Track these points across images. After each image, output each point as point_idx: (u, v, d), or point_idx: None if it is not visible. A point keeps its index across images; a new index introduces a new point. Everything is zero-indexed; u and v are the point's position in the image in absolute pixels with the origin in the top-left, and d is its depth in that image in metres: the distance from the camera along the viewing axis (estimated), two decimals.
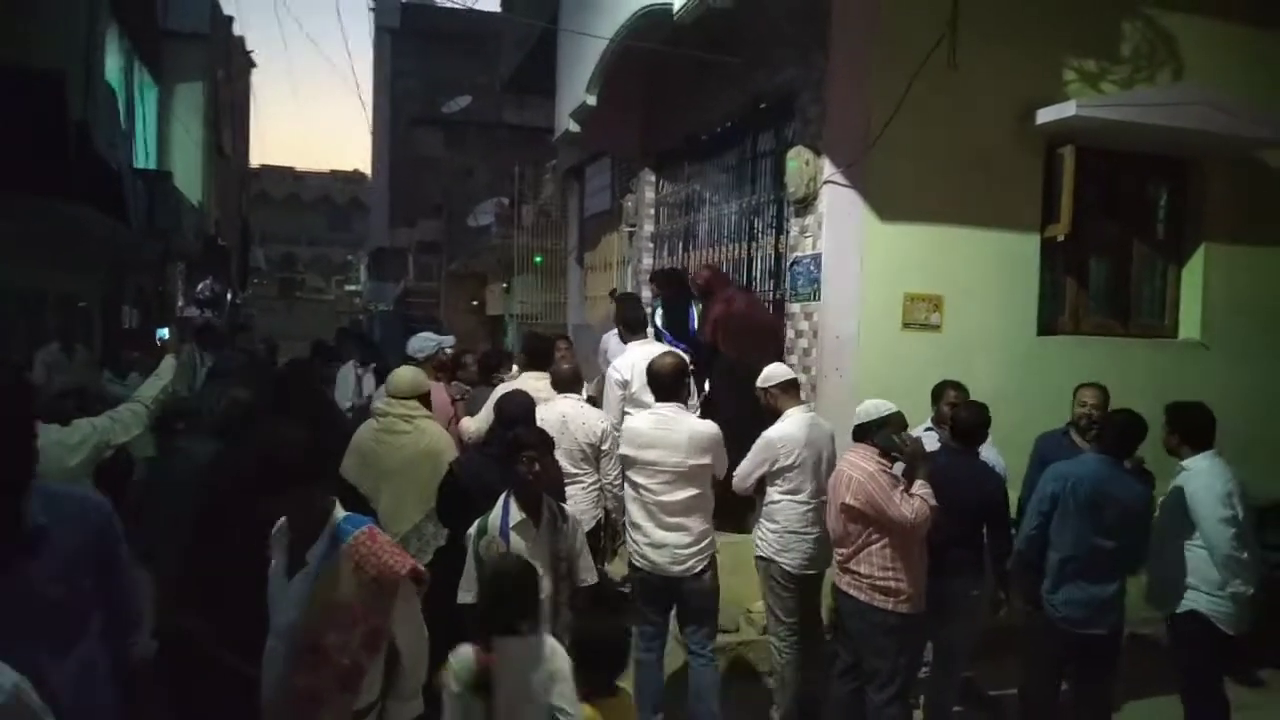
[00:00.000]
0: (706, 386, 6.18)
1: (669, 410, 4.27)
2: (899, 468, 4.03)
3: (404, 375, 4.83)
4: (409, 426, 4.57)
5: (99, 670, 2.21)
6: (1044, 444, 5.13)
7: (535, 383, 5.19)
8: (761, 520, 4.58)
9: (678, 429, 4.18)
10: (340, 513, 2.48)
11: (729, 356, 5.94)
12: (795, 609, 4.51)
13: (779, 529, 4.46)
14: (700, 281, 6.47)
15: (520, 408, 4.19)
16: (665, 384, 4.33)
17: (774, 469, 4.45)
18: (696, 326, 6.49)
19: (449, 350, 6.56)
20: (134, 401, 3.95)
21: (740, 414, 5.03)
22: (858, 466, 3.99)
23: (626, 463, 4.31)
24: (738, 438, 4.58)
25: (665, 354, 4.63)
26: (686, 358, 5.50)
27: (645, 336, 6.06)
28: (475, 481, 3.96)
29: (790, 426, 4.47)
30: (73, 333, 9.27)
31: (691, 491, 4.16)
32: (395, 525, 4.21)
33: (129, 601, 2.40)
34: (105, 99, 11.59)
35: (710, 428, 4.31)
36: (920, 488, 3.92)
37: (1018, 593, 4.45)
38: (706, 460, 4.19)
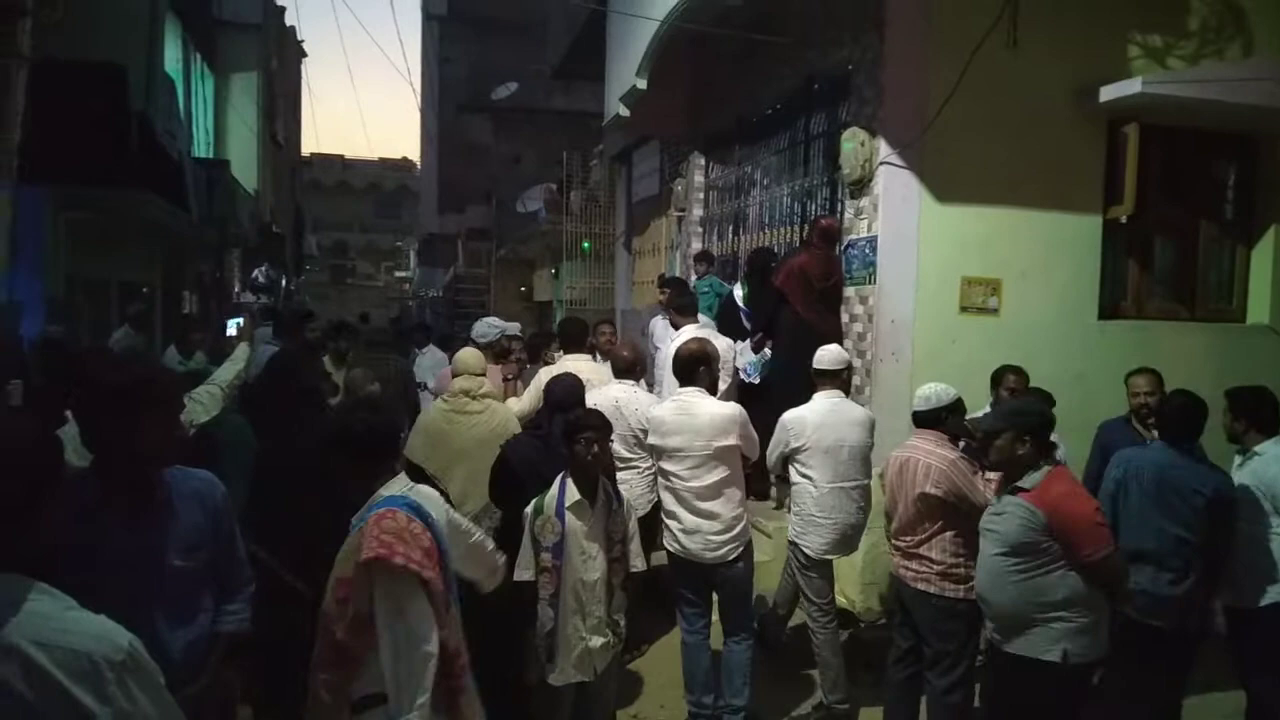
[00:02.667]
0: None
1: (690, 395, 4.23)
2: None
3: (470, 353, 5.00)
4: (480, 405, 4.66)
5: (206, 642, 2.31)
6: (1106, 431, 5.00)
7: (575, 364, 5.25)
8: (789, 503, 4.64)
9: (698, 413, 4.14)
10: (388, 490, 2.45)
11: (794, 308, 5.85)
12: (825, 590, 4.53)
13: (799, 512, 4.52)
14: (823, 224, 6.13)
15: (568, 390, 4.19)
16: (686, 369, 4.29)
17: (788, 450, 4.50)
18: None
19: (509, 336, 6.64)
20: (211, 384, 4.04)
21: (794, 373, 5.01)
22: (936, 454, 3.87)
23: (655, 452, 4.29)
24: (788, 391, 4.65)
25: (689, 340, 4.63)
26: (723, 342, 5.52)
27: (696, 320, 6.05)
28: (522, 463, 3.98)
29: (805, 410, 4.50)
30: (145, 319, 9.52)
31: (719, 474, 4.11)
32: (469, 503, 4.25)
33: (235, 579, 2.48)
34: (164, 89, 11.83)
35: (730, 409, 4.24)
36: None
37: None
38: (730, 441, 4.12)
